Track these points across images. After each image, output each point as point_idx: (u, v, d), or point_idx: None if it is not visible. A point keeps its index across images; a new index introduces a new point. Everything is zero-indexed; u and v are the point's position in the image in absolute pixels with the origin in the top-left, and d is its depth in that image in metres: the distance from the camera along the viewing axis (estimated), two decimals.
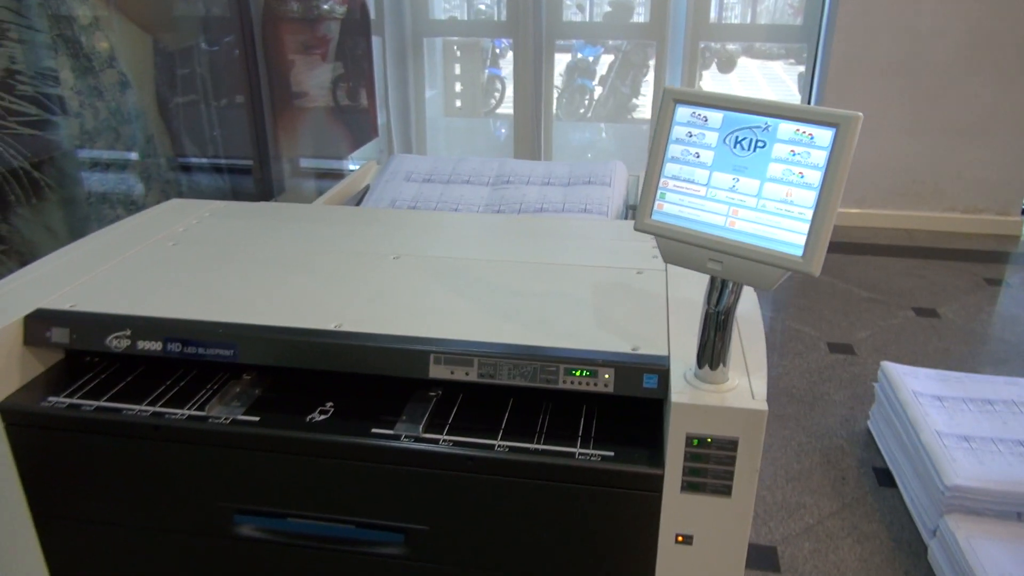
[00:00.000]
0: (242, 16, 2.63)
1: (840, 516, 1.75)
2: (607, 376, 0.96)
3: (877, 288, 2.95)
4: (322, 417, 1.02)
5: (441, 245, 1.35)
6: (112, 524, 1.08)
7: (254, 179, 2.83)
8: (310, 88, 3.15)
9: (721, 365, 0.91)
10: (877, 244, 3.43)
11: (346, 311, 1.08)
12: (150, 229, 1.42)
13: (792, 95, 3.77)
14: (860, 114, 0.75)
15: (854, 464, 1.93)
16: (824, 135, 0.76)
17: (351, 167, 4.23)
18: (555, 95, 6.69)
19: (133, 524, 1.08)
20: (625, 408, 1.03)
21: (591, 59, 6.72)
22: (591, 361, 0.97)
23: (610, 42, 6.43)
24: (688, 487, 0.92)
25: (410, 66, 4.06)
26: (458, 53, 5.82)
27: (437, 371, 1.00)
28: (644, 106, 5.97)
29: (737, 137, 0.81)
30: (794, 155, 0.78)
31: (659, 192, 0.87)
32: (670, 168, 0.86)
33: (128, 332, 1.05)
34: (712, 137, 0.83)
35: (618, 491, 0.93)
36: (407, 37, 4.02)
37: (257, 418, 1.01)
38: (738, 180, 0.82)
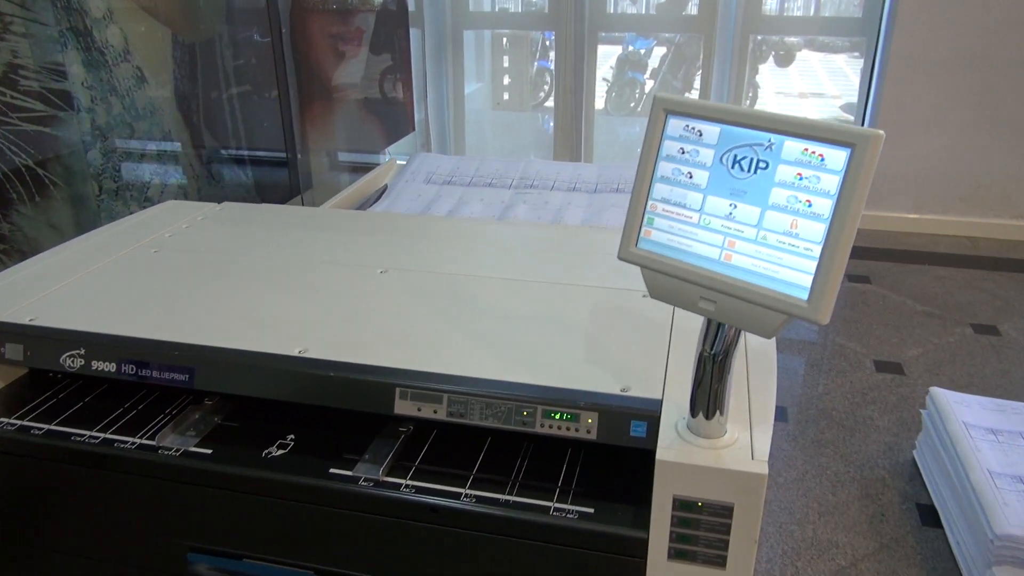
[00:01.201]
0: (269, 7, 2.57)
1: (877, 558, 1.60)
2: (590, 421, 0.85)
3: (933, 301, 2.75)
4: (280, 452, 0.93)
5: (435, 257, 1.25)
6: (63, 553, 1.02)
7: (280, 174, 2.78)
8: (341, 81, 3.08)
9: (718, 414, 0.79)
10: (936, 253, 3.20)
11: (315, 334, 0.99)
12: (138, 233, 1.36)
13: (855, 91, 3.55)
14: (880, 132, 0.62)
15: (896, 499, 1.77)
16: (837, 156, 0.64)
17: (386, 161, 4.17)
18: (604, 89, 6.53)
19: (85, 555, 1.01)
20: (616, 454, 0.92)
21: (642, 52, 6.54)
22: (572, 403, 0.86)
23: (663, 35, 6.24)
24: (676, 555, 0.80)
25: (449, 59, 3.97)
26: (507, 45, 5.71)
27: (403, 407, 0.90)
28: None
29: (736, 156, 0.69)
30: (801, 179, 0.66)
31: (646, 217, 0.75)
32: (659, 189, 0.74)
33: (82, 351, 0.98)
34: (707, 155, 0.71)
35: (596, 554, 0.82)
36: (446, 29, 3.93)
37: (210, 451, 0.93)
38: (736, 206, 0.69)
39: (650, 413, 0.84)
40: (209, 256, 1.24)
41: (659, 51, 6.47)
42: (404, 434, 0.95)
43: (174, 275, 1.17)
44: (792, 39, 6.93)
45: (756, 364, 0.94)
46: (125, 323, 1.02)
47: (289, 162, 2.80)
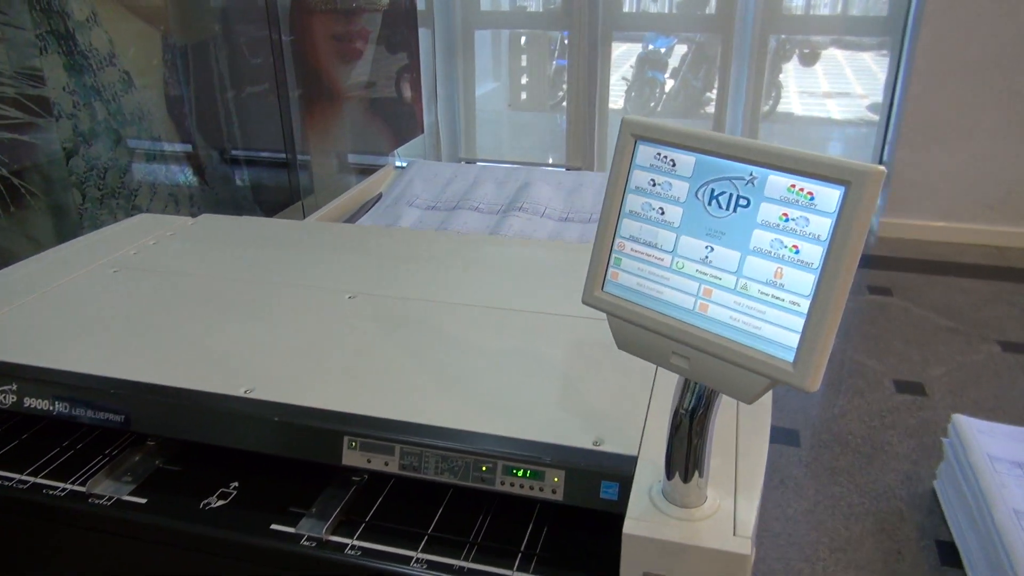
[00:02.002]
0: (268, 7, 2.50)
1: None
2: (556, 480, 0.76)
3: (959, 316, 2.61)
4: (220, 503, 0.85)
5: (409, 280, 1.16)
6: None
7: (280, 179, 2.71)
8: (345, 82, 3.01)
9: (696, 477, 0.69)
10: (963, 264, 3.06)
11: (266, 371, 0.91)
12: (101, 250, 1.29)
13: (882, 90, 3.41)
14: (880, 169, 0.52)
15: (914, 534, 1.65)
16: (829, 195, 0.54)
17: (398, 164, 4.09)
18: (624, 88, 6.41)
19: None
20: (592, 511, 0.82)
21: (663, 50, 6.41)
22: (536, 460, 0.76)
23: (684, 33, 6.11)
24: None
25: (460, 59, 3.88)
26: (525, 44, 5.62)
27: (351, 458, 0.81)
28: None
29: (713, 190, 0.59)
30: (787, 220, 0.56)
31: (613, 256, 0.66)
32: (627, 226, 0.65)
33: (13, 387, 0.90)
34: (681, 188, 0.61)
35: None
36: (457, 29, 3.85)
37: (144, 500, 0.85)
38: (712, 249, 0.60)
39: (623, 473, 0.74)
40: (169, 278, 1.17)
41: (680, 49, 6.34)
42: (357, 484, 0.86)
43: (127, 300, 1.09)
44: (817, 37, 6.76)
45: (747, 418, 0.84)
46: (64, 355, 0.94)
47: (289, 167, 2.74)
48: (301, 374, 0.90)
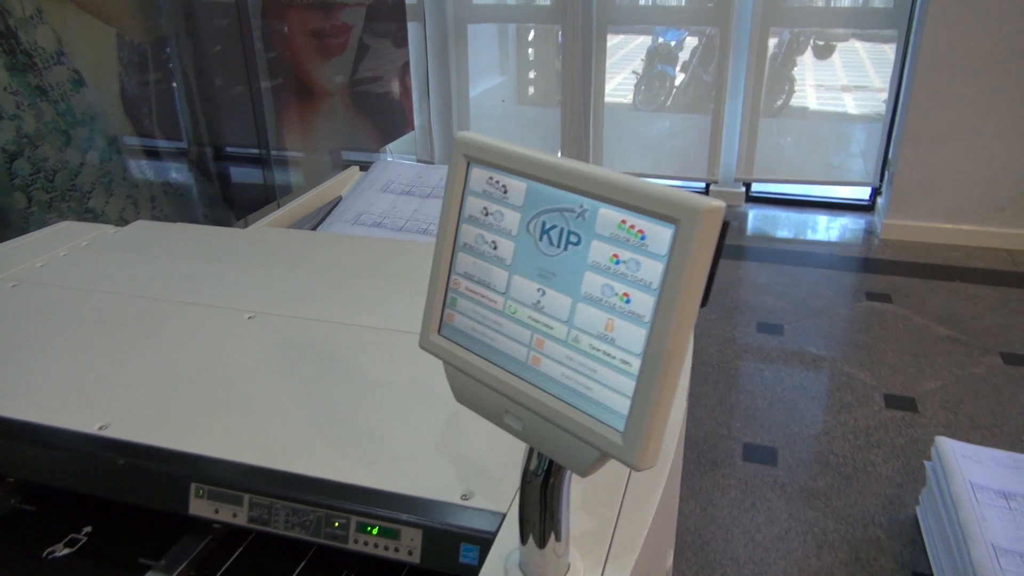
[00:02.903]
0: (238, 2, 2.43)
1: None
2: (412, 540, 0.67)
3: (961, 325, 2.48)
4: (65, 551, 0.77)
5: (313, 296, 1.08)
6: None
7: (253, 180, 2.64)
8: (327, 79, 2.93)
9: (553, 541, 0.60)
10: (970, 268, 2.92)
11: (126, 404, 0.83)
12: (11, 260, 1.22)
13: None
14: (717, 205, 0.42)
15: (890, 566, 1.55)
16: (660, 235, 0.44)
17: (389, 159, 4.01)
18: (634, 83, 6.28)
19: None
20: None
21: (673, 44, 6.27)
22: (392, 517, 0.68)
23: (694, 27, 5.97)
24: None
25: (452, 54, 3.79)
26: (532, 38, 5.51)
27: (199, 507, 0.73)
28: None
29: (544, 223, 0.50)
30: (617, 263, 0.46)
31: (449, 296, 0.57)
32: (462, 261, 0.55)
33: None
34: (512, 219, 0.52)
35: None
36: (449, 23, 3.75)
37: None
38: (544, 293, 0.50)
39: (484, 535, 0.65)
40: (66, 295, 1.09)
41: (691, 42, 6.19)
42: (217, 532, 0.78)
43: (10, 319, 1.02)
44: (825, 30, 6.57)
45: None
46: None
47: (264, 166, 2.67)
48: (163, 408, 0.82)
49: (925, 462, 1.66)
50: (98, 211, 2.01)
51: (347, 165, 3.31)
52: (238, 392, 0.85)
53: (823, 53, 6.96)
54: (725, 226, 0.45)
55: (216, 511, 0.72)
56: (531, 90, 5.70)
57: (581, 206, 0.48)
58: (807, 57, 6.96)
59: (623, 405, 0.46)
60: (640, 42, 5.75)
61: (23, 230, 1.80)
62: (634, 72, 6.39)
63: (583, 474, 0.50)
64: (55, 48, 1.84)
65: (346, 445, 0.76)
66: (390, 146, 3.93)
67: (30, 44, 1.77)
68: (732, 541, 1.63)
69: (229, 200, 2.53)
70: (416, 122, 3.91)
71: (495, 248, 0.53)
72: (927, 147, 2.99)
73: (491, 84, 5.10)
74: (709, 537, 1.64)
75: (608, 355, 0.47)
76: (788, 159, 3.63)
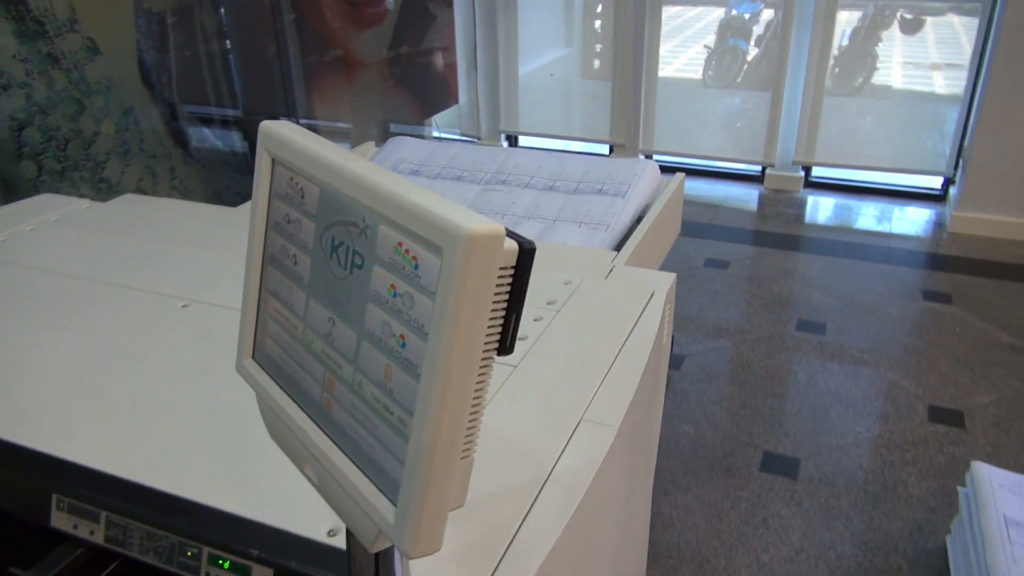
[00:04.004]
0: None
1: None
2: None
3: None
4: None
5: None
6: None
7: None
8: (361, 49, 2.86)
9: None
10: None
11: (14, 400, 0.78)
12: None
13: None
14: (489, 228, 0.32)
15: None
16: (431, 264, 0.34)
17: (436, 135, 3.94)
18: (704, 57, 6.02)
19: None
20: None
21: (747, 16, 5.96)
22: (244, 552, 0.60)
23: None
24: None
25: (501, 25, 3.67)
26: (600, 10, 5.33)
27: (60, 520, 0.67)
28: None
29: (334, 238, 0.41)
30: (395, 295, 0.37)
31: (261, 315, 0.48)
32: (270, 275, 0.47)
33: None
34: (309, 230, 0.43)
35: None
36: None
37: None
38: (334, 323, 0.41)
39: None
40: (12, 273, 1.06)
41: (767, 15, 5.87)
42: (89, 544, 0.72)
43: None
44: (925, 2, 6.12)
45: (542, 509, 0.65)
46: None
47: None
48: (44, 404, 0.77)
49: (959, 488, 1.50)
50: (113, 181, 2.00)
51: (382, 138, 3.25)
52: (130, 392, 0.79)
53: (911, 28, 6.49)
54: (526, 254, 0.35)
55: (75, 527, 0.66)
56: (596, 63, 5.51)
57: (364, 220, 0.38)
58: (894, 32, 6.52)
59: (399, 474, 0.37)
60: (716, 15, 5.49)
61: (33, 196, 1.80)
62: (706, 46, 6.11)
63: (369, 548, 0.41)
64: (68, 15, 1.82)
65: (223, 462, 0.69)
66: (437, 120, 3.85)
67: (40, 11, 1.76)
68: (735, 560, 1.51)
69: (252, 172, 2.50)
70: (464, 96, 3.82)
71: (295, 263, 0.44)
72: (1006, 133, 2.72)
73: (554, 56, 4.95)
74: (710, 553, 1.52)
75: (387, 409, 0.37)
76: (856, 142, 3.39)
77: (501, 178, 1.79)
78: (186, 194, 2.21)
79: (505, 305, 0.35)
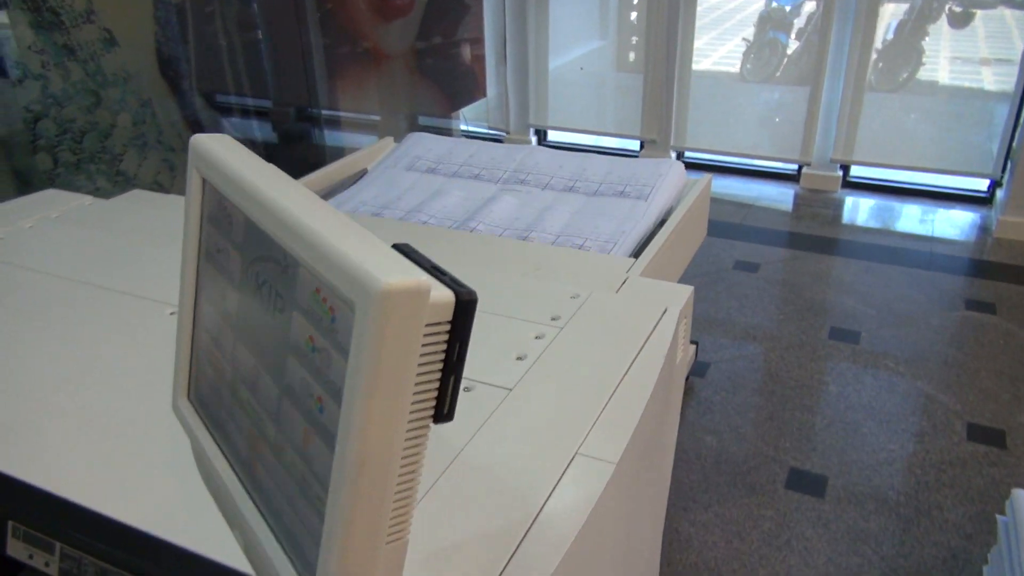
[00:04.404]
0: None
1: None
2: None
3: None
4: None
5: None
6: None
7: (299, 144, 2.58)
8: (386, 40, 2.82)
9: None
10: None
11: None
12: None
13: None
14: (413, 283, 0.26)
15: None
16: (346, 319, 0.29)
17: (463, 127, 3.89)
18: (743, 50, 5.87)
19: None
20: None
21: (788, 8, 5.80)
22: None
23: None
24: None
25: (531, 17, 3.60)
26: (636, 1, 5.22)
27: (16, 549, 0.63)
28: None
29: (259, 274, 0.35)
30: (313, 350, 0.31)
31: (195, 351, 0.43)
32: (203, 309, 0.41)
33: None
34: (236, 261, 0.37)
35: None
36: None
37: None
38: (259, 373, 0.36)
39: None
40: (7, 272, 1.03)
41: (809, 7, 5.70)
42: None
43: None
44: None
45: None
46: None
47: (315, 129, 2.59)
48: (10, 417, 0.73)
49: (998, 516, 1.40)
50: (130, 174, 1.99)
51: (416, 129, 3.20)
52: (102, 408, 0.74)
53: (960, 21, 6.26)
54: (465, 307, 0.29)
55: (31, 556, 0.62)
56: (631, 56, 5.40)
57: (286, 258, 0.32)
58: (942, 26, 6.29)
59: (312, 552, 0.31)
60: (756, 6, 5.34)
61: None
62: (744, 39, 5.96)
63: None
64: (85, 6, 1.80)
65: (192, 494, 0.64)
66: (465, 112, 3.80)
67: (57, 2, 1.74)
68: None
69: (275, 163, 2.47)
70: (492, 89, 3.76)
71: (224, 298, 0.38)
72: None
73: (588, 49, 4.85)
74: (728, 575, 1.45)
75: (305, 480, 0.32)
76: (898, 141, 3.25)
77: (520, 177, 1.73)
78: None
79: (440, 366, 0.29)
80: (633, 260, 1.29)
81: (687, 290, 1.04)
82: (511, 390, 0.77)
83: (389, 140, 1.99)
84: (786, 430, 1.83)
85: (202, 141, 0.39)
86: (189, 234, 0.41)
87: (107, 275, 1.02)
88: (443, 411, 0.30)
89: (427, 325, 0.28)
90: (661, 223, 1.55)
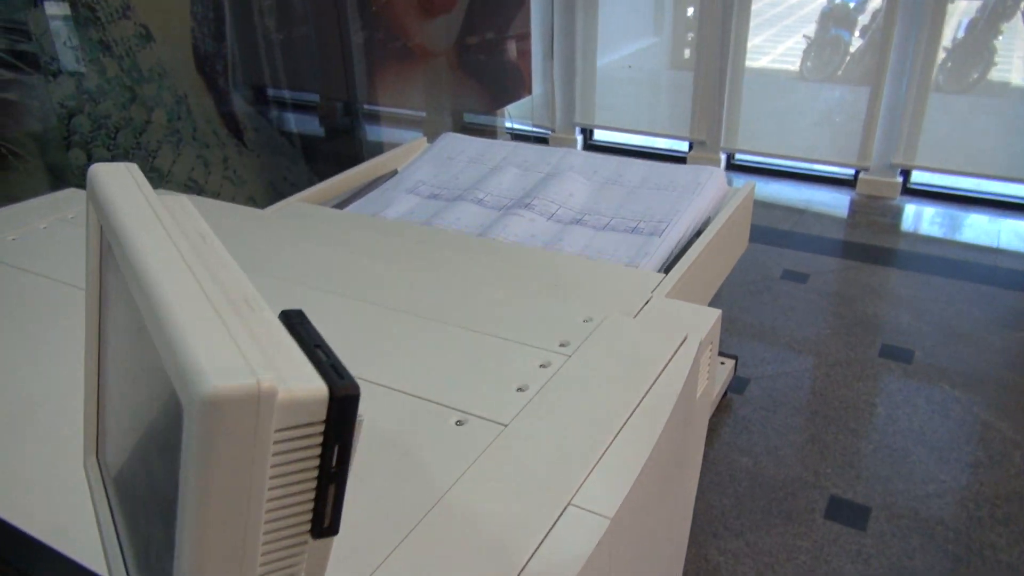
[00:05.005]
0: None
1: None
2: None
3: None
4: None
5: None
6: None
7: (338, 139, 2.55)
8: (428, 37, 2.77)
9: None
10: None
11: None
12: None
13: None
14: (263, 386, 0.20)
15: None
16: (177, 419, 0.23)
17: (508, 124, 3.83)
18: (803, 48, 5.68)
19: None
20: None
21: (852, 5, 5.59)
22: None
23: None
24: None
25: (579, 13, 3.52)
26: None
27: None
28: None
29: (139, 338, 0.30)
30: (166, 447, 0.25)
31: (100, 403, 0.38)
32: (104, 364, 0.36)
33: None
34: (123, 318, 0.32)
35: None
36: None
37: None
38: (139, 455, 0.30)
39: None
40: (8, 279, 1.01)
41: (875, 2, 5.48)
42: None
43: None
44: None
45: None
46: None
47: (353, 124, 2.57)
48: None
49: None
50: (164, 170, 1.98)
51: (444, 128, 3.16)
52: (72, 430, 0.71)
53: None
54: (344, 403, 0.23)
55: None
56: (687, 53, 5.26)
57: (141, 322, 0.27)
58: (1016, 24, 5.98)
59: None
60: (819, 3, 5.16)
61: (79, 187, 1.79)
62: (805, 36, 5.76)
63: None
64: (121, 2, 1.80)
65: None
66: (510, 110, 3.74)
67: None
68: None
69: (311, 161, 2.45)
70: (539, 88, 3.69)
71: (116, 356, 0.33)
72: None
73: (642, 45, 4.75)
74: None
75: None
76: (965, 145, 3.08)
77: (550, 178, 1.66)
78: (239, 184, 2.18)
79: (314, 474, 0.23)
80: (662, 276, 1.21)
81: (713, 315, 0.96)
82: (506, 426, 0.71)
83: (422, 140, 1.95)
84: (828, 454, 1.72)
85: (99, 173, 0.34)
86: (90, 276, 0.36)
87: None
88: (322, 524, 0.25)
89: (286, 429, 0.22)
90: (699, 232, 1.47)
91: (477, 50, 3.03)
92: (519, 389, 0.76)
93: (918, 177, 3.15)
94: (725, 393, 1.92)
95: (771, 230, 2.84)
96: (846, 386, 1.95)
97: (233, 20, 2.09)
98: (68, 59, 1.72)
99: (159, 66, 1.91)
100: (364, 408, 0.74)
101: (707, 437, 1.79)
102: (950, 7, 3.05)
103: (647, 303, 0.99)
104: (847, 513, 1.57)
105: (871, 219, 2.94)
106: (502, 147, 1.83)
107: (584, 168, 1.70)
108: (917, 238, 2.78)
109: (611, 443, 0.69)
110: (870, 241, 2.74)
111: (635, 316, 0.97)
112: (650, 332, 0.86)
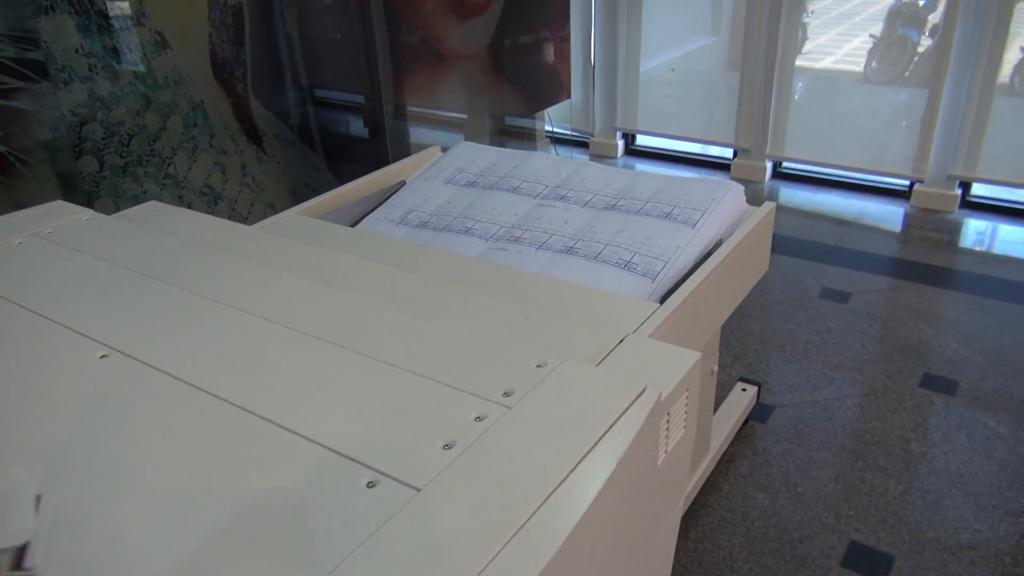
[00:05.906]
0: None
1: None
2: None
3: None
4: None
5: (198, 338, 0.88)
6: None
7: (365, 143, 2.52)
8: (461, 39, 2.72)
9: None
10: None
11: None
12: None
13: None
14: None
15: None
16: None
17: (548, 129, 3.75)
18: (868, 48, 5.43)
19: None
20: None
21: (922, 3, 5.32)
22: None
23: None
24: None
25: (622, 14, 3.41)
26: None
27: None
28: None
29: None
30: None
31: None
32: None
33: None
34: None
35: None
36: None
37: None
38: None
39: None
40: None
41: (945, 1, 5.20)
42: None
43: None
44: None
45: None
46: None
47: (378, 130, 2.53)
48: None
49: None
50: (179, 177, 1.98)
51: (501, 129, 3.10)
52: None
53: None
54: None
55: None
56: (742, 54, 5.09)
57: None
58: None
59: None
60: (887, 1, 4.93)
61: (90, 194, 1.79)
62: (871, 35, 5.50)
63: None
64: (135, 9, 1.79)
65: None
66: (549, 113, 3.66)
67: (104, 4, 1.73)
68: None
69: (335, 167, 2.42)
70: (578, 92, 3.60)
71: None
72: None
73: (697, 46, 4.61)
74: None
75: None
76: None
77: (561, 193, 1.58)
78: (258, 191, 2.17)
79: None
80: (656, 306, 1.13)
81: (689, 358, 0.87)
82: (420, 491, 0.64)
83: (435, 149, 1.89)
84: (852, 494, 1.60)
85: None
86: None
87: (54, 302, 0.96)
88: None
89: None
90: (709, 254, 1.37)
91: (512, 52, 2.96)
92: (445, 446, 0.69)
93: (978, 189, 2.95)
94: (746, 421, 1.81)
95: (813, 244, 2.69)
96: (879, 418, 1.82)
97: (253, 24, 2.07)
98: (81, 67, 1.72)
99: (175, 72, 1.90)
100: (269, 457, 0.68)
101: (722, 469, 1.68)
102: (1020, 4, 2.84)
103: (620, 343, 0.91)
104: (867, 561, 1.45)
105: (924, 234, 2.76)
106: (512, 157, 1.76)
107: (594, 180, 1.61)
108: (974, 256, 2.60)
109: (532, 515, 0.62)
110: (922, 259, 2.57)
111: (603, 359, 0.89)
112: (606, 381, 0.78)
